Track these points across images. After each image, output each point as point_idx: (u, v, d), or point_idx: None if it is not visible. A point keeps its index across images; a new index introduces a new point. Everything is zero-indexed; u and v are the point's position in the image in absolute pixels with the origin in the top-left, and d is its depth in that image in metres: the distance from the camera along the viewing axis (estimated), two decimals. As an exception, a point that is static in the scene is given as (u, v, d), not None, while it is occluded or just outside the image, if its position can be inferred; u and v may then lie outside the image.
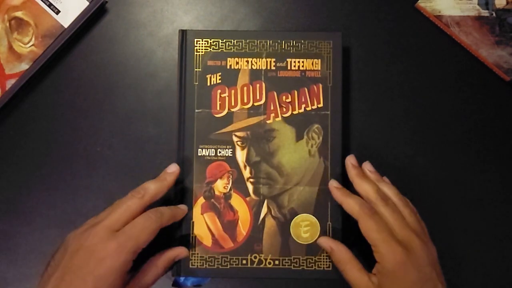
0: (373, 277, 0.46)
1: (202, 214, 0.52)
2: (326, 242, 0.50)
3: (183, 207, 0.52)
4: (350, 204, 0.49)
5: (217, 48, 0.54)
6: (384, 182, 0.51)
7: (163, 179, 0.50)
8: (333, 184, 0.51)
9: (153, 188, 0.49)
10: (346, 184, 0.51)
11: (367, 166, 0.52)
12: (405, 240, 0.46)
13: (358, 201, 0.49)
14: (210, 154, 0.53)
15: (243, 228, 0.52)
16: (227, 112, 0.53)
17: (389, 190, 0.50)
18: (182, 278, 0.53)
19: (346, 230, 0.53)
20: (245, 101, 0.53)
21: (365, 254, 0.48)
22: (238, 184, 0.53)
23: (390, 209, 0.48)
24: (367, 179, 0.50)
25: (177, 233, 0.52)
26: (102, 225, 0.45)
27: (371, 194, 0.49)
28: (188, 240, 0.52)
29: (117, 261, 0.44)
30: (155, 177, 0.50)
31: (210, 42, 0.54)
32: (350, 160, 0.52)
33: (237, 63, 0.54)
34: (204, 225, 0.52)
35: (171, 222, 0.49)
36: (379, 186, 0.50)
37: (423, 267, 0.45)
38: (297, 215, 0.53)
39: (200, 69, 0.54)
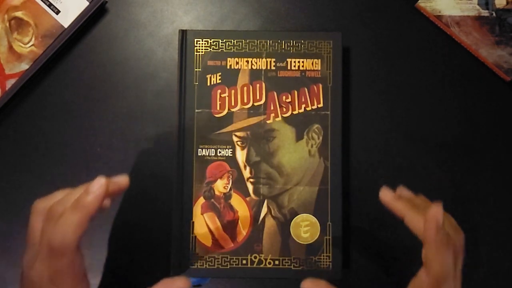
0: None
1: (202, 214, 0.52)
2: None
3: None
4: (419, 223, 0.41)
5: (217, 48, 0.54)
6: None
7: (82, 206, 0.39)
8: (386, 196, 0.44)
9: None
10: (346, 184, 0.51)
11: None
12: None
13: (433, 222, 0.40)
14: (210, 154, 0.53)
15: (243, 228, 0.52)
16: (227, 112, 0.53)
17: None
18: (182, 278, 0.52)
19: (346, 230, 0.53)
20: (245, 101, 0.53)
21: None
22: (238, 184, 0.53)
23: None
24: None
25: (177, 233, 0.52)
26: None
27: (438, 222, 0.40)
28: (188, 240, 0.52)
29: None
30: (155, 177, 0.49)
31: (210, 42, 0.54)
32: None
33: (237, 63, 0.54)
34: (204, 225, 0.52)
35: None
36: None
37: None
38: (297, 215, 0.52)
39: (200, 69, 0.54)
